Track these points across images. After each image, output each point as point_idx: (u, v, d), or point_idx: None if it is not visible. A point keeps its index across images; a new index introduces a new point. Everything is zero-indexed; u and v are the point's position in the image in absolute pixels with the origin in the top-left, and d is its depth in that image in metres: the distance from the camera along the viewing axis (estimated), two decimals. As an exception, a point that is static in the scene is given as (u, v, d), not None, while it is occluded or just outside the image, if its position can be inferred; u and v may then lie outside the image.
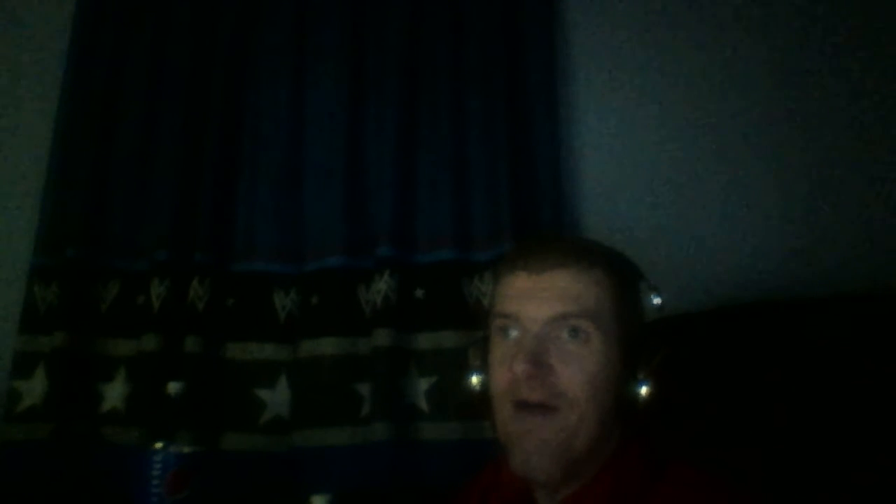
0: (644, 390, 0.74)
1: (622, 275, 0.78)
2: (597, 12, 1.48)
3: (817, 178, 1.34)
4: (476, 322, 1.29)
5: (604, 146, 1.43)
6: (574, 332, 0.73)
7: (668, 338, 0.78)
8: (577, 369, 0.73)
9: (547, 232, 1.32)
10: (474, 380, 0.82)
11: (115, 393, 1.37)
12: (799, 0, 1.42)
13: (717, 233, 1.35)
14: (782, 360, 1.00)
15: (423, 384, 1.32)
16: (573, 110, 1.45)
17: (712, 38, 1.43)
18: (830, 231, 1.31)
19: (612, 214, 1.38)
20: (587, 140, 1.44)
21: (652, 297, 0.79)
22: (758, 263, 1.31)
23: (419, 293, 1.36)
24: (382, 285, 1.33)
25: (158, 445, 1.06)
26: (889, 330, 0.94)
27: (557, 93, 1.42)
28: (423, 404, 1.31)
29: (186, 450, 1.07)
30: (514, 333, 0.76)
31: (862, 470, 0.89)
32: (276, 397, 1.35)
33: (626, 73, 1.45)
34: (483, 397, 0.80)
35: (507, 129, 1.38)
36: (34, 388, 1.35)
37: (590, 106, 1.45)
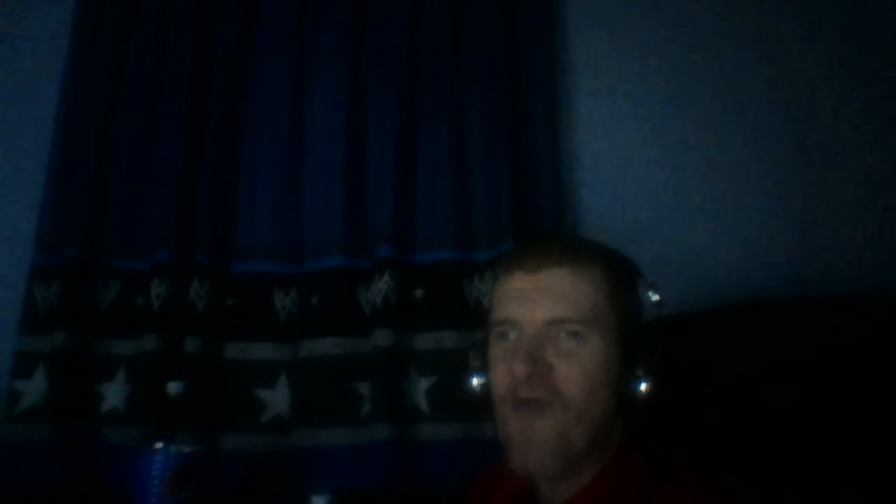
0: (643, 388, 0.74)
1: (620, 273, 0.79)
2: (596, 12, 1.48)
3: (817, 177, 1.34)
4: (476, 322, 1.29)
5: (603, 146, 1.43)
6: (572, 333, 0.74)
7: (668, 337, 0.78)
8: (576, 367, 0.73)
9: (546, 232, 1.32)
10: (475, 382, 0.82)
11: (115, 393, 1.37)
12: (795, 4, 1.42)
13: (716, 233, 1.35)
14: (782, 360, 1.00)
15: (423, 384, 1.32)
16: (573, 110, 1.45)
17: (710, 39, 1.43)
18: (829, 231, 1.31)
19: (612, 214, 1.38)
20: (587, 140, 1.44)
21: (650, 294, 0.79)
22: (757, 263, 1.31)
23: (419, 293, 1.36)
24: (382, 285, 1.33)
25: (158, 445, 1.06)
26: (889, 330, 0.94)
27: (557, 93, 1.42)
28: (423, 404, 1.31)
29: (186, 450, 1.07)
30: (512, 335, 0.77)
31: (862, 470, 0.89)
32: (276, 397, 1.35)
33: (626, 72, 1.45)
34: (484, 399, 0.80)
35: (507, 129, 1.38)
36: (34, 388, 1.35)
37: (590, 105, 1.45)
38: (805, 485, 0.90)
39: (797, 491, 0.89)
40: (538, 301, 0.75)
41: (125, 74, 1.50)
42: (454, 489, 0.98)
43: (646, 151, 1.41)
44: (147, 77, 1.49)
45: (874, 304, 0.99)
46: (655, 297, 0.79)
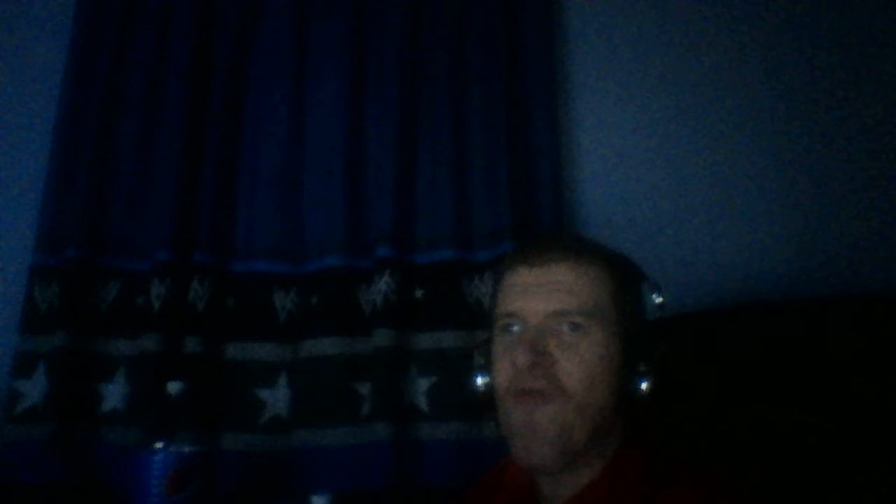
0: (644, 386, 0.74)
1: (622, 271, 0.79)
2: (596, 13, 1.48)
3: (817, 177, 1.34)
4: (476, 322, 1.30)
5: (603, 146, 1.43)
6: (574, 326, 0.74)
7: (668, 337, 0.78)
8: (577, 360, 0.73)
9: (548, 231, 1.32)
10: (479, 380, 0.82)
11: (115, 393, 1.37)
12: (797, 6, 1.42)
13: (717, 233, 1.35)
14: (782, 361, 1.00)
15: (423, 384, 1.32)
16: (573, 110, 1.45)
17: (711, 39, 1.44)
18: (830, 231, 1.31)
19: (612, 214, 1.38)
20: (587, 139, 1.44)
21: (654, 296, 0.79)
22: (758, 263, 1.31)
23: (419, 293, 1.36)
24: (382, 285, 1.33)
25: (158, 445, 1.06)
26: (889, 330, 0.94)
27: (557, 93, 1.42)
28: (423, 404, 1.31)
29: (186, 450, 1.07)
30: (516, 328, 0.77)
31: (862, 471, 0.89)
32: (276, 397, 1.35)
33: (625, 72, 1.45)
34: (488, 396, 0.80)
35: (507, 129, 1.38)
36: (34, 388, 1.35)
37: (589, 105, 1.45)
38: (805, 485, 0.90)
39: (797, 491, 0.89)
40: (541, 294, 0.76)
41: (125, 74, 1.50)
42: (454, 489, 0.98)
43: (646, 151, 1.41)
44: (147, 77, 1.49)
45: (874, 304, 0.99)
46: (659, 300, 0.79)
